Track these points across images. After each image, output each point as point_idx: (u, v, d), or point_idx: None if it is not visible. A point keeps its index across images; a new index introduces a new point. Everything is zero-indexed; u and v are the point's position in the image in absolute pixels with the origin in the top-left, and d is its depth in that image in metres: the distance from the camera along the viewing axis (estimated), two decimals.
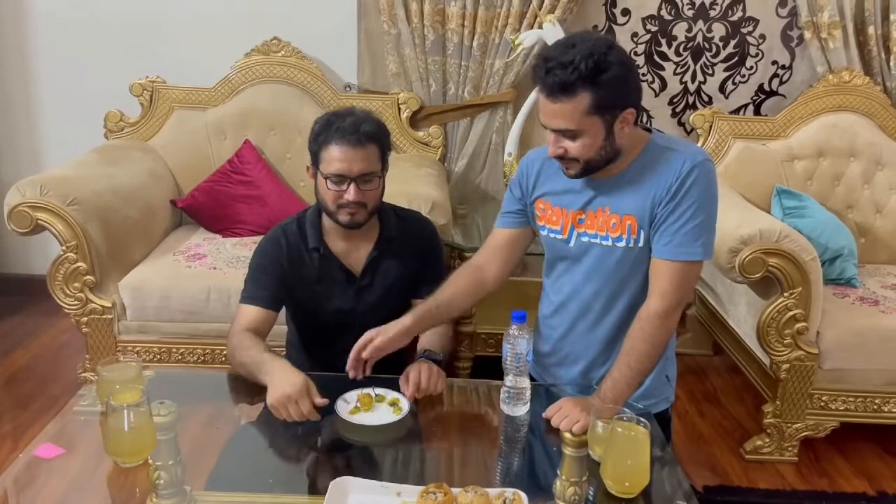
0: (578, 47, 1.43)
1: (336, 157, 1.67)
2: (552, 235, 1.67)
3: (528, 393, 1.57)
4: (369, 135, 1.69)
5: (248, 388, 1.61)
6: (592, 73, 1.42)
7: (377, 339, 1.59)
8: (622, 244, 1.59)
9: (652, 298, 1.57)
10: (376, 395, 1.56)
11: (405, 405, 1.53)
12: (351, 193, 1.67)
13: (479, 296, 1.76)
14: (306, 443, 1.49)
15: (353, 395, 1.55)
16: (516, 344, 1.54)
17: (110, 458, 1.36)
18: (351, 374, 1.61)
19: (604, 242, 1.60)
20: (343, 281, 1.80)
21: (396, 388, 1.59)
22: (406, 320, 1.62)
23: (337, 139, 1.67)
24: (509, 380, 1.56)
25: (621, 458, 1.29)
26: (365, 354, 1.59)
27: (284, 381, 1.51)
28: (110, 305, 2.39)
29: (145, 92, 2.98)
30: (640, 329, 1.57)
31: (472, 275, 1.75)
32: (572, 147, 1.50)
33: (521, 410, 1.57)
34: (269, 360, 1.58)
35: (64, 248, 2.31)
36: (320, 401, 1.50)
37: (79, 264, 2.32)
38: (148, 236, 2.68)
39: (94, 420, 1.51)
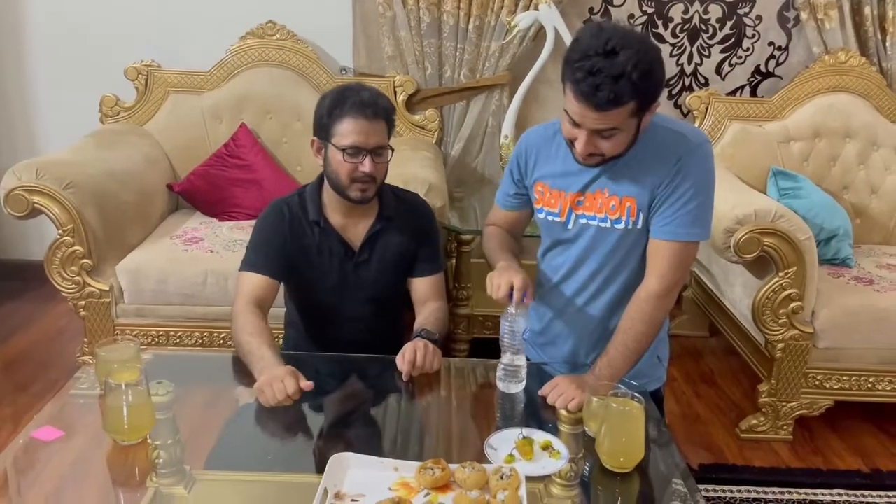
0: (622, 55, 1.36)
1: (353, 129, 1.68)
2: (550, 218, 1.68)
3: (525, 370, 1.58)
4: (385, 108, 1.72)
5: (247, 370, 1.61)
6: (640, 82, 1.38)
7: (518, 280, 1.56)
8: (621, 226, 1.59)
9: (650, 279, 1.58)
10: (524, 437, 1.38)
11: (559, 446, 1.36)
12: (367, 165, 1.68)
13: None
14: (304, 421, 1.51)
15: (500, 441, 1.39)
16: (514, 322, 1.54)
17: (109, 436, 1.37)
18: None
19: (602, 224, 1.61)
20: (342, 254, 1.80)
21: (390, 378, 1.60)
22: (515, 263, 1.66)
23: (354, 112, 1.68)
24: (506, 357, 1.57)
25: (616, 433, 1.30)
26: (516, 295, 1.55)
27: (273, 369, 1.52)
28: (108, 289, 2.39)
29: (140, 76, 2.96)
30: (637, 309, 1.58)
31: (500, 231, 1.82)
32: (605, 144, 1.48)
33: (518, 388, 1.58)
34: (268, 357, 1.57)
35: (60, 231, 2.31)
36: (306, 383, 1.50)
37: (75, 248, 2.32)
38: (145, 220, 2.68)
39: (93, 402, 1.52)
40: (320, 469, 1.27)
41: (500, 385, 1.58)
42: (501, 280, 1.56)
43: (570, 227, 1.65)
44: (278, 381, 1.49)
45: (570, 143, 1.52)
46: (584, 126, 1.45)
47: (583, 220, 1.63)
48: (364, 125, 1.68)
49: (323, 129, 1.73)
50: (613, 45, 1.37)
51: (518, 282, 1.55)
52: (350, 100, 1.69)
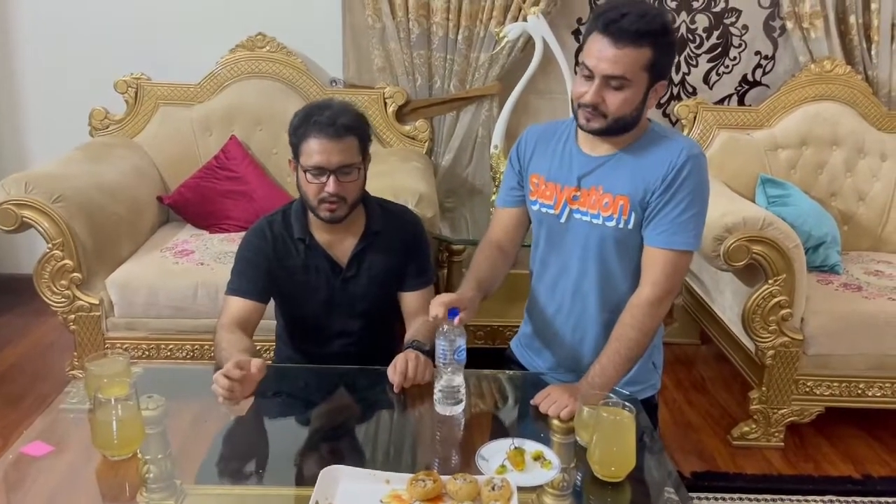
0: (648, 6, 1.54)
1: (315, 149, 1.67)
2: (544, 210, 1.68)
3: (463, 390, 1.52)
4: (347, 126, 1.68)
5: None
6: (661, 32, 1.50)
7: (448, 297, 1.53)
8: (612, 224, 1.60)
9: (644, 286, 1.60)
10: (515, 447, 1.38)
11: (550, 456, 1.35)
12: (331, 186, 1.67)
13: (506, 266, 1.77)
14: (296, 434, 1.50)
15: (492, 452, 1.37)
16: (453, 341, 1.49)
17: (98, 451, 1.36)
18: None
19: (594, 221, 1.62)
20: (329, 271, 1.80)
21: (380, 384, 1.59)
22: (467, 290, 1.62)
23: (315, 132, 1.66)
24: (445, 378, 1.50)
25: (607, 442, 1.30)
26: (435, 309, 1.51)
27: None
28: (98, 302, 2.38)
29: (130, 89, 2.96)
30: (630, 316, 1.59)
31: (489, 248, 1.77)
32: (613, 99, 1.52)
33: (457, 409, 1.52)
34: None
35: (50, 245, 2.30)
36: (254, 366, 1.49)
37: (65, 262, 2.32)
38: (135, 233, 2.68)
39: (82, 417, 1.50)
40: (312, 482, 1.26)
41: (438, 408, 1.52)
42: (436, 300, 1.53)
43: (562, 220, 1.66)
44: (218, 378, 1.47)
45: (577, 106, 1.56)
46: (597, 72, 1.51)
47: (576, 215, 1.64)
48: (326, 145, 1.66)
49: (293, 149, 1.73)
50: (638, 3, 1.54)
51: (446, 297, 1.52)
52: (312, 118, 1.67)
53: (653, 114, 3.17)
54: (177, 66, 3.03)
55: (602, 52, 1.49)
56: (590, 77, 1.52)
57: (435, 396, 1.52)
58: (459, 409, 1.52)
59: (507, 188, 1.78)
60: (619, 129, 1.56)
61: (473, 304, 1.58)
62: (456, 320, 1.49)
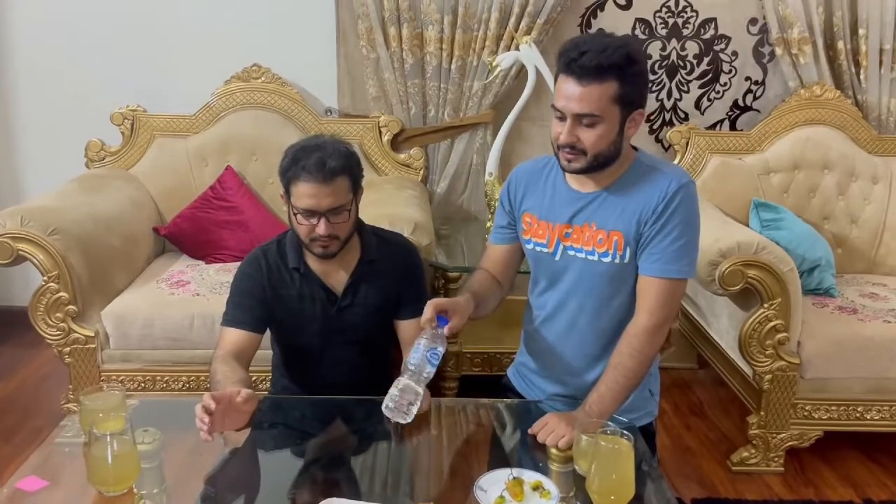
0: (610, 39, 1.52)
1: (305, 193, 1.66)
2: (538, 249, 1.70)
3: (419, 403, 1.48)
4: (336, 170, 1.67)
5: None
6: (624, 63, 1.48)
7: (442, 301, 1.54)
8: (608, 259, 1.61)
9: (640, 315, 1.60)
10: (514, 477, 1.36)
11: (549, 486, 1.35)
12: (322, 228, 1.67)
13: (501, 292, 1.78)
14: (292, 466, 1.49)
15: (490, 482, 1.36)
16: (433, 343, 1.48)
17: (94, 487, 1.34)
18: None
19: (590, 257, 1.63)
20: (324, 300, 1.80)
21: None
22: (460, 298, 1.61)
23: (304, 176, 1.65)
24: (405, 381, 1.47)
25: (606, 471, 1.30)
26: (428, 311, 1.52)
27: None
28: (93, 335, 2.37)
29: (126, 121, 2.98)
30: (627, 345, 1.59)
31: (485, 272, 1.78)
32: (587, 136, 1.52)
33: (407, 419, 1.48)
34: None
35: (45, 278, 2.30)
36: (241, 396, 1.48)
37: (61, 294, 2.31)
38: (130, 264, 2.67)
39: (78, 451, 1.49)
40: None
41: (387, 411, 1.48)
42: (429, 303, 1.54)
43: (557, 258, 1.66)
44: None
45: (556, 147, 1.58)
46: (566, 111, 1.52)
47: (570, 252, 1.65)
48: (316, 189, 1.65)
49: (283, 187, 1.73)
50: (603, 35, 1.60)
51: (439, 301, 1.53)
52: (301, 162, 1.66)
53: (645, 140, 3.24)
54: (173, 98, 3.05)
55: (568, 92, 1.51)
56: (562, 118, 1.54)
57: (388, 397, 1.48)
58: (409, 419, 1.49)
59: (498, 227, 1.80)
60: (600, 164, 1.57)
61: (466, 307, 1.57)
62: (445, 329, 1.49)
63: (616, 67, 1.48)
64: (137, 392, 2.41)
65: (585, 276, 1.64)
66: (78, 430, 1.53)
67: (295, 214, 1.70)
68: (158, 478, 1.30)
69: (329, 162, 1.66)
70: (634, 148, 1.66)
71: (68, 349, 2.37)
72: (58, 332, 2.35)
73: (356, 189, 1.76)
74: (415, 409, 1.49)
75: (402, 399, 1.49)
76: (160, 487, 1.29)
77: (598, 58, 1.47)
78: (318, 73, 3.13)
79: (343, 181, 1.69)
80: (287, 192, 1.73)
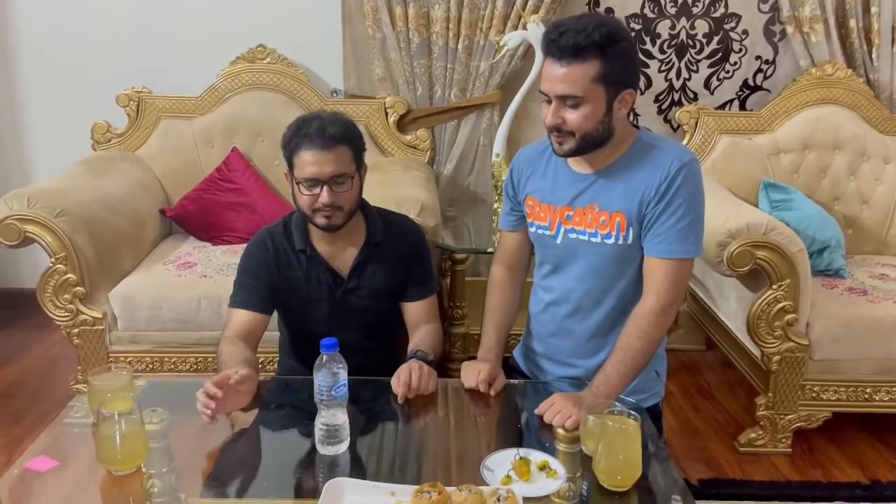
0: (592, 18, 1.52)
1: (307, 161, 1.67)
2: (540, 231, 1.69)
3: (347, 429, 1.43)
4: (336, 136, 1.68)
5: None
6: (605, 42, 1.47)
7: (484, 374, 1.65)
8: (611, 241, 1.60)
9: (647, 296, 1.59)
10: (521, 457, 1.37)
11: (556, 466, 1.34)
12: (324, 196, 1.67)
13: (518, 289, 1.84)
14: (300, 447, 1.49)
15: (497, 462, 1.37)
16: (335, 374, 1.43)
17: (102, 466, 1.35)
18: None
19: (593, 239, 1.62)
20: (330, 282, 1.80)
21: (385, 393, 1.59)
22: (491, 354, 1.74)
23: (305, 144, 1.67)
24: (326, 415, 1.41)
25: (613, 451, 1.30)
26: (483, 388, 1.65)
27: None
28: (101, 316, 2.38)
29: (131, 102, 2.97)
30: (635, 326, 1.59)
31: (501, 282, 1.83)
32: (572, 117, 1.51)
33: (342, 448, 1.43)
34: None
35: (53, 260, 2.30)
36: (234, 378, 1.49)
37: (68, 276, 2.32)
38: (137, 246, 2.68)
39: (86, 431, 1.50)
40: (316, 495, 1.26)
41: (321, 448, 1.42)
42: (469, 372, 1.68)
43: (558, 241, 1.66)
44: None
45: (548, 132, 1.58)
46: (551, 93, 1.51)
47: (572, 235, 1.64)
48: (317, 156, 1.66)
49: (287, 162, 1.74)
50: (586, 15, 1.58)
51: (484, 375, 1.65)
52: (303, 131, 1.68)
53: (653, 120, 3.22)
54: (178, 79, 3.04)
55: (550, 74, 1.51)
56: (549, 101, 1.53)
57: (317, 436, 1.42)
58: (342, 448, 1.43)
59: (506, 212, 1.81)
60: (590, 145, 1.56)
61: (499, 362, 1.70)
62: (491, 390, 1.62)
63: (596, 46, 1.46)
64: (145, 373, 2.42)
65: (590, 259, 1.63)
66: (87, 411, 1.55)
67: (298, 185, 1.70)
68: (167, 457, 1.31)
69: (329, 129, 1.67)
70: (637, 127, 1.64)
71: (76, 331, 2.38)
72: (66, 314, 2.36)
73: (359, 162, 1.76)
74: (347, 433, 1.43)
75: (331, 433, 1.42)
76: (169, 467, 1.30)
77: (577, 37, 1.46)
78: (323, 53, 3.11)
79: (344, 150, 1.70)
80: (290, 166, 1.73)
